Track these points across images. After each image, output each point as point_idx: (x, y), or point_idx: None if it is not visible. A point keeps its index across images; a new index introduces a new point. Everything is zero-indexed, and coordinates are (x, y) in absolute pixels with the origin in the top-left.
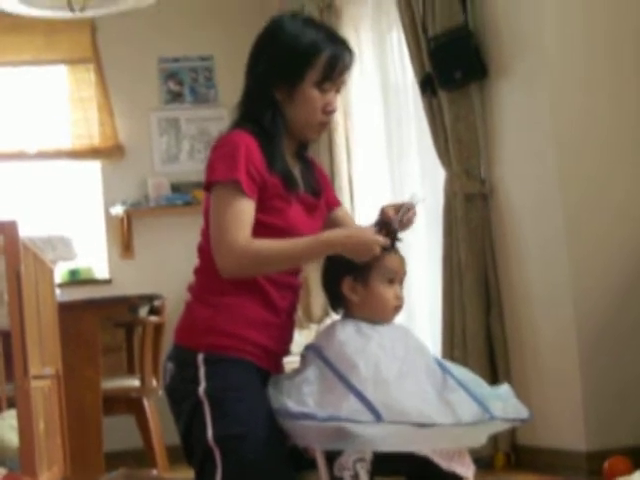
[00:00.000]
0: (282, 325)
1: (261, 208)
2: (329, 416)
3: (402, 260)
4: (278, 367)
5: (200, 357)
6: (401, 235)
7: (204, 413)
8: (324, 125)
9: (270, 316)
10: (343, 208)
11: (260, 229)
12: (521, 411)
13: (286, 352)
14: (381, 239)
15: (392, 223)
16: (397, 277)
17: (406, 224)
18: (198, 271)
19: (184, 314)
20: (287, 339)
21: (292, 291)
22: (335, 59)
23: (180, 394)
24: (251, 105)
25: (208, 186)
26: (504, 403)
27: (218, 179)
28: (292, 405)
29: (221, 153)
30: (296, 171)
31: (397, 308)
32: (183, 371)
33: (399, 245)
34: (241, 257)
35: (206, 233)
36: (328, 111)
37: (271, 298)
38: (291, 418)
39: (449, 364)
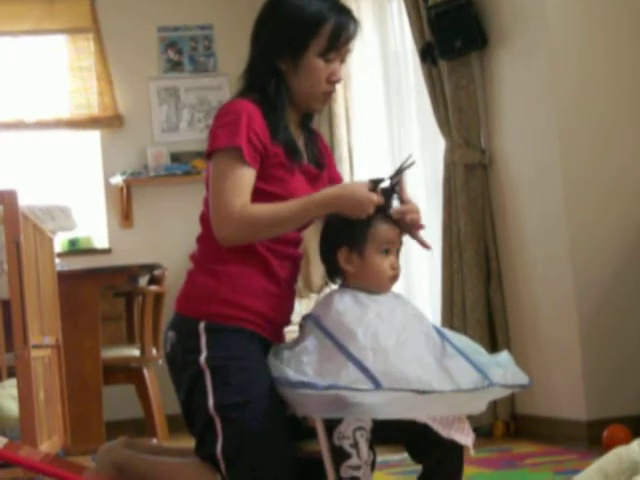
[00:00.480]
0: (283, 295)
1: (263, 176)
2: (328, 385)
3: (397, 230)
4: (279, 337)
5: (201, 326)
6: (394, 197)
7: (205, 382)
8: (328, 95)
9: (271, 286)
10: None
11: (261, 197)
12: (521, 377)
13: (287, 322)
14: (375, 197)
15: (387, 180)
16: (393, 247)
17: (412, 226)
18: (200, 240)
19: (186, 282)
20: (288, 309)
21: (292, 261)
22: (340, 29)
23: (181, 363)
24: (255, 75)
25: (210, 154)
26: (503, 370)
27: (219, 146)
28: (292, 374)
29: (223, 121)
30: (300, 142)
31: (393, 278)
32: (184, 340)
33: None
34: (238, 222)
35: (208, 202)
36: (333, 81)
37: (272, 268)
38: (291, 387)
39: (448, 332)
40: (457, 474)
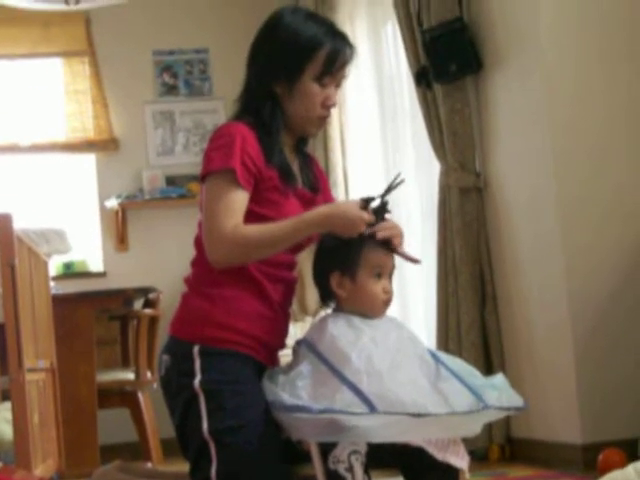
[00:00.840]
0: (277, 318)
1: (257, 200)
2: (323, 408)
3: (390, 254)
4: (274, 360)
5: (196, 349)
6: (388, 213)
7: (199, 406)
8: (323, 119)
9: (265, 309)
10: None
11: (254, 220)
12: (516, 400)
13: (281, 345)
14: (366, 215)
15: (378, 199)
16: (385, 271)
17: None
18: (195, 263)
19: (180, 306)
20: (282, 332)
21: (287, 285)
22: (335, 53)
23: (175, 387)
24: (250, 99)
25: (204, 177)
26: (498, 392)
27: (213, 169)
28: (286, 398)
29: (217, 144)
30: (294, 166)
31: (386, 302)
32: (178, 363)
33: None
34: (229, 244)
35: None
36: (328, 105)
37: (266, 291)
38: (286, 411)
39: (443, 355)
40: None
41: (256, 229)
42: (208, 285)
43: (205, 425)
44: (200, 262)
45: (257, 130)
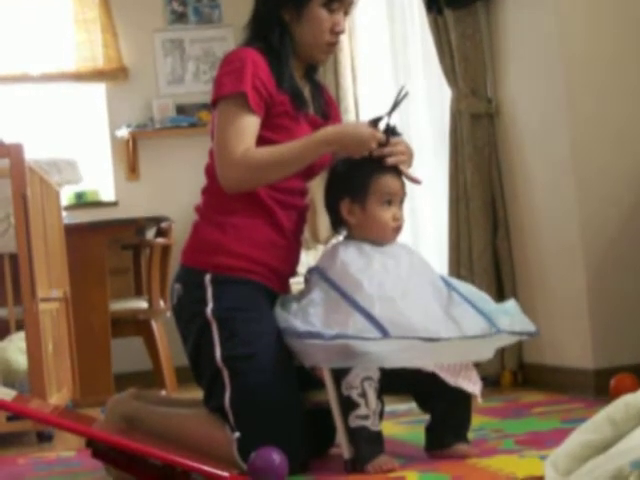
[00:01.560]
0: (289, 246)
1: (268, 125)
2: (336, 334)
3: (400, 181)
4: (285, 287)
5: (207, 277)
6: (398, 135)
7: (212, 333)
8: (332, 46)
9: (277, 237)
10: None
11: (266, 146)
12: (528, 325)
13: (293, 273)
14: (377, 133)
15: (385, 116)
16: (395, 198)
17: (396, 158)
18: (205, 191)
19: (191, 235)
20: (294, 260)
21: (298, 212)
22: None
23: (188, 314)
24: (259, 26)
25: (215, 102)
26: (510, 317)
27: (224, 93)
28: (299, 324)
29: (228, 69)
30: (305, 92)
31: (396, 229)
32: (191, 292)
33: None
34: (241, 167)
35: (213, 153)
36: (336, 31)
37: (278, 219)
38: (298, 337)
39: (455, 281)
40: (465, 422)
41: (266, 151)
42: (219, 213)
43: (218, 352)
44: (211, 190)
45: (267, 56)
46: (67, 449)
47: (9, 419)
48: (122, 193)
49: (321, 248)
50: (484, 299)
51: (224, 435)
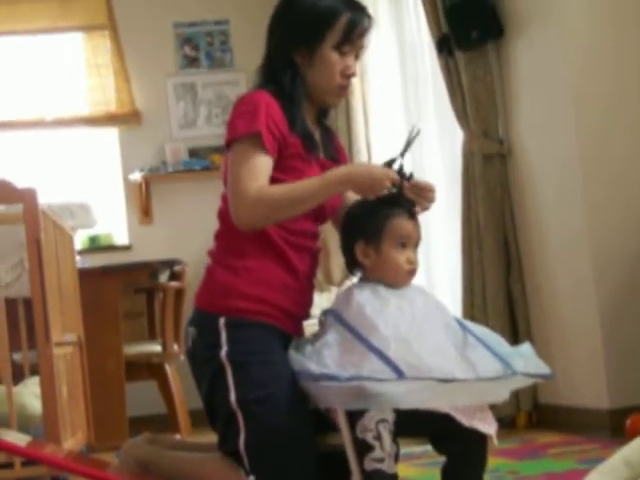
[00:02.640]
0: (302, 288)
1: (280, 167)
2: (351, 376)
3: (415, 224)
4: (299, 330)
5: (221, 321)
6: (412, 174)
7: (226, 377)
8: (343, 89)
9: (290, 279)
10: None
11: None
12: (542, 368)
13: (306, 315)
14: (391, 173)
15: (399, 157)
16: (410, 241)
17: (424, 201)
18: (218, 235)
19: (205, 278)
20: (307, 302)
21: (311, 254)
22: (354, 22)
23: (202, 358)
24: (271, 69)
25: (229, 144)
26: (525, 360)
27: (239, 134)
28: (314, 367)
29: (241, 111)
30: (316, 136)
31: (411, 272)
32: (205, 335)
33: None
34: (253, 204)
35: (226, 197)
36: (347, 75)
37: (291, 261)
38: (313, 380)
39: (469, 323)
40: (481, 465)
41: (279, 188)
42: (232, 257)
43: (233, 396)
44: (224, 234)
45: (279, 98)
46: None
47: (24, 464)
48: (135, 237)
49: (334, 290)
50: (499, 341)
51: (239, 479)
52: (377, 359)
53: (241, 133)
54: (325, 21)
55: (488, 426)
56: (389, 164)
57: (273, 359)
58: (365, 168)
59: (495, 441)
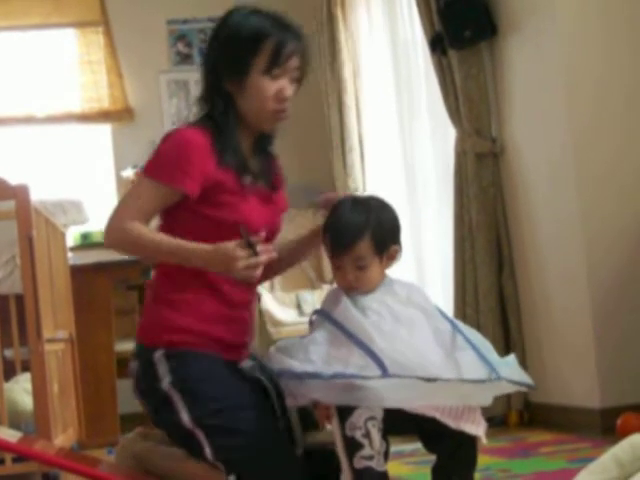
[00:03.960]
0: (239, 318)
1: (211, 203)
2: (334, 373)
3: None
4: (240, 357)
5: (161, 353)
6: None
7: (174, 403)
8: (279, 114)
9: (226, 310)
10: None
11: (212, 225)
12: (526, 378)
13: (246, 343)
14: (243, 255)
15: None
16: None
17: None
18: (157, 269)
19: (145, 312)
20: (245, 331)
21: (247, 286)
22: (280, 44)
23: (147, 391)
24: (205, 99)
25: (144, 171)
26: (510, 369)
27: (150, 174)
28: (296, 365)
29: (164, 153)
30: (253, 163)
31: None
32: (146, 369)
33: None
34: (120, 235)
35: (163, 229)
36: (281, 98)
37: (224, 292)
38: (296, 378)
39: (461, 325)
40: (471, 464)
41: (148, 235)
42: (169, 291)
43: (186, 417)
44: (161, 268)
45: (212, 132)
46: None
47: (15, 461)
48: None
49: (326, 288)
50: (488, 348)
51: (219, 477)
52: (363, 354)
53: (153, 175)
54: (249, 48)
55: (476, 427)
56: (249, 243)
57: (217, 377)
58: (218, 252)
59: (484, 441)
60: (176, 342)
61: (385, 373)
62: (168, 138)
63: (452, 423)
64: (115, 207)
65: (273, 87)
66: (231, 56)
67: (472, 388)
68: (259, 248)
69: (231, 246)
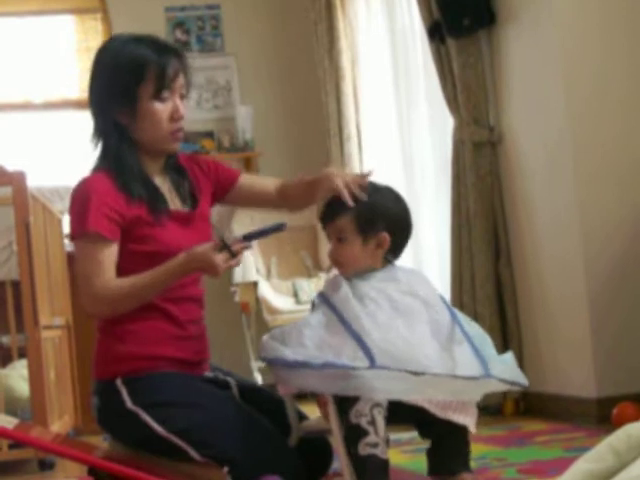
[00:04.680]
0: (190, 336)
1: (133, 239)
2: (324, 363)
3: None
4: (199, 372)
5: (118, 382)
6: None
7: (142, 420)
8: (176, 133)
9: (175, 330)
10: (244, 176)
11: (139, 258)
12: (520, 377)
13: (202, 358)
14: (220, 261)
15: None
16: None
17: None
18: None
19: (96, 349)
20: (200, 347)
21: (194, 302)
22: (162, 67)
23: (112, 423)
24: (99, 137)
25: (72, 238)
26: (504, 366)
27: (76, 235)
28: (288, 354)
29: (74, 210)
30: (165, 187)
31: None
32: (109, 398)
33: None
34: (100, 302)
35: None
36: (176, 118)
37: (172, 314)
38: (287, 367)
39: (462, 316)
40: (462, 447)
41: (123, 282)
42: (115, 323)
43: (159, 428)
44: None
45: (113, 172)
46: (69, 477)
47: (11, 447)
48: None
49: (323, 276)
50: (486, 342)
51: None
52: (355, 344)
53: (78, 234)
54: (132, 78)
55: (464, 417)
56: (223, 245)
57: (176, 383)
58: (196, 260)
59: (473, 430)
60: (131, 370)
61: (373, 364)
62: (74, 197)
63: (439, 412)
64: (81, 284)
65: (166, 109)
66: (117, 88)
67: (463, 384)
68: (234, 248)
69: (206, 252)
